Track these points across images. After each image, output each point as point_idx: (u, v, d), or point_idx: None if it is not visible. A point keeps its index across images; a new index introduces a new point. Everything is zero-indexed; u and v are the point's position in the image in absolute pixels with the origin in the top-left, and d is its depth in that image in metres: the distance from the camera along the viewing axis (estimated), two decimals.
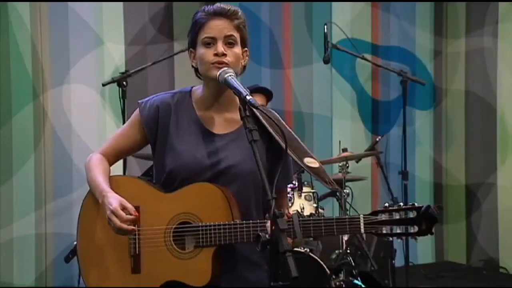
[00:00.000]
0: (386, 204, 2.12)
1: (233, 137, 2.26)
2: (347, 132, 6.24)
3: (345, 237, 4.45)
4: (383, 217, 2.08)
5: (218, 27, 2.19)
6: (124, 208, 2.16)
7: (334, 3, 6.19)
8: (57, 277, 5.24)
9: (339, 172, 4.59)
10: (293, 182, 4.09)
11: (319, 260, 3.91)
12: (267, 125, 2.24)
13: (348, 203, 4.51)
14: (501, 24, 6.18)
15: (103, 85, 4.63)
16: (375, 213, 2.10)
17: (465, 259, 6.55)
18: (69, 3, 5.24)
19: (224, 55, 2.17)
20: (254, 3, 5.90)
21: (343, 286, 4.21)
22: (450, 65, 6.74)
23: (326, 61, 4.71)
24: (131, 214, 2.16)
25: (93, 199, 2.27)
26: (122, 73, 4.60)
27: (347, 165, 4.59)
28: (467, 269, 6.37)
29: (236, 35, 2.21)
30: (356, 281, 4.32)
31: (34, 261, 5.17)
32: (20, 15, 5.09)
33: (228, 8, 2.21)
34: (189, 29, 2.27)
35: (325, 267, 3.92)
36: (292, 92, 6.10)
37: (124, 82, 4.52)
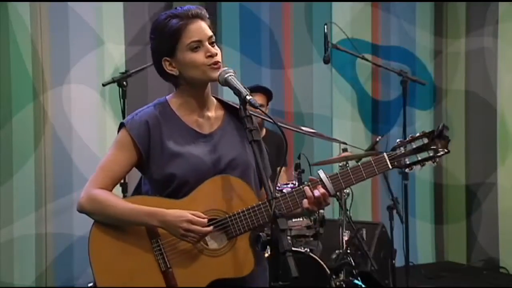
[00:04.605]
0: (398, 140, 2.25)
1: (221, 134, 2.28)
2: (347, 132, 6.23)
3: (345, 237, 4.45)
4: (402, 150, 2.24)
5: (200, 29, 2.18)
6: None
7: (334, 3, 6.19)
8: (57, 277, 5.23)
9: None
10: (293, 182, 4.10)
11: (319, 260, 3.91)
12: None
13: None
14: (501, 24, 6.18)
15: (103, 85, 4.64)
16: (394, 149, 2.25)
17: (465, 259, 6.54)
18: (69, 3, 5.24)
19: (216, 54, 2.19)
20: (254, 3, 5.90)
21: (343, 286, 4.21)
22: (450, 65, 6.74)
23: (326, 61, 4.70)
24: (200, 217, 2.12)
25: (100, 233, 2.16)
26: (122, 73, 4.61)
27: (347, 165, 4.58)
28: (467, 269, 6.37)
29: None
30: (356, 281, 4.32)
31: (34, 261, 5.17)
32: (20, 15, 5.09)
33: (200, 9, 2.21)
34: (160, 38, 2.20)
35: (325, 267, 3.92)
36: (292, 92, 6.10)
37: (124, 82, 4.53)
